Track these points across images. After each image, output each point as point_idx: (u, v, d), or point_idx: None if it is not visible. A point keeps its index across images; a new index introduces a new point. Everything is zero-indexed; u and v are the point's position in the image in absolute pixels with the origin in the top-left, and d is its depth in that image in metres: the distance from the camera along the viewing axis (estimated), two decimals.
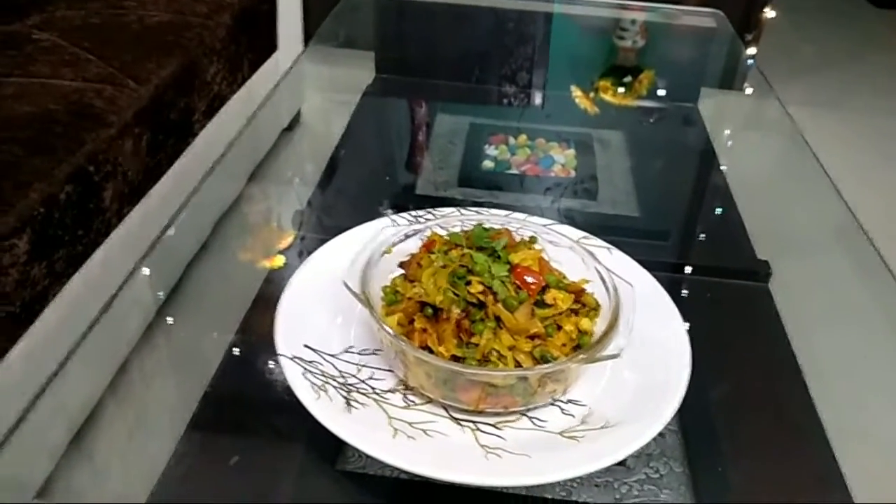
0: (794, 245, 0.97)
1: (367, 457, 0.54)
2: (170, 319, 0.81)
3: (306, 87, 1.61)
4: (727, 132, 1.22)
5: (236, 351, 0.69)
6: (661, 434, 0.60)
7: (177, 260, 1.06)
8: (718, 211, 0.99)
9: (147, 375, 0.76)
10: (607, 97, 1.28)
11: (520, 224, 0.63)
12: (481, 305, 0.53)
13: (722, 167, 1.06)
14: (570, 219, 0.71)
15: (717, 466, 0.60)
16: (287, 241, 0.87)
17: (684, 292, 0.78)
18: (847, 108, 2.13)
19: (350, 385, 0.55)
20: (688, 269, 0.85)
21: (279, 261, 0.83)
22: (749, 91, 1.36)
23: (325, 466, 0.57)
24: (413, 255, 0.59)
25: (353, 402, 0.53)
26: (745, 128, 1.32)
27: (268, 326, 0.60)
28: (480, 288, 0.53)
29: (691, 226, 0.99)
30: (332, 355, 0.57)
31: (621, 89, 1.30)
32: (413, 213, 0.69)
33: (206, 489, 0.56)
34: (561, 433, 0.52)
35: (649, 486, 0.56)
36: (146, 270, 0.79)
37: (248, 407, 0.64)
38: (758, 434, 0.64)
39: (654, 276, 0.65)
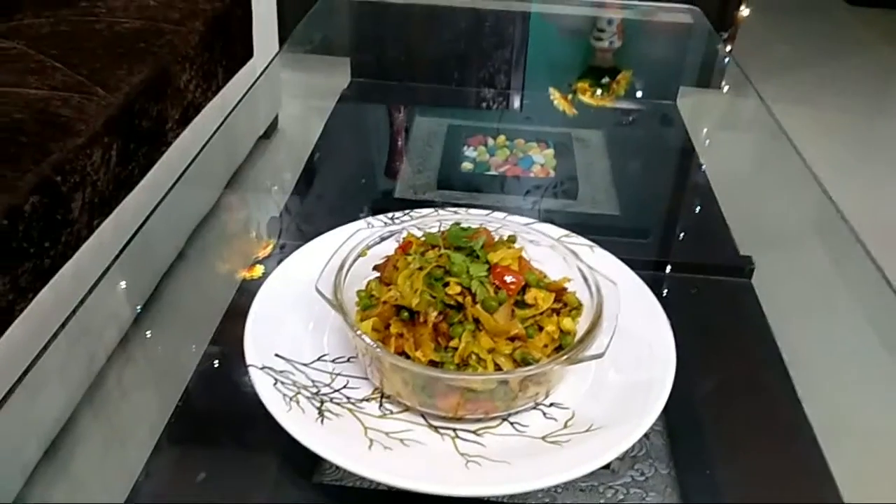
0: (777, 240, 0.96)
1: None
2: (145, 331, 0.78)
3: (283, 94, 1.59)
4: (706, 129, 1.21)
5: (209, 363, 0.67)
6: (646, 435, 0.58)
7: (152, 270, 1.04)
8: (699, 208, 0.98)
9: (122, 388, 0.74)
10: (585, 98, 1.27)
11: (500, 224, 0.61)
12: (459, 307, 0.51)
13: (702, 164, 1.05)
14: (550, 219, 0.69)
15: (703, 466, 0.59)
16: (265, 249, 0.85)
17: (667, 290, 0.77)
18: (821, 105, 2.14)
19: (323, 395, 0.53)
20: (670, 267, 0.84)
21: (258, 270, 0.81)
22: (726, 88, 1.36)
23: (301, 480, 0.55)
24: (388, 258, 0.57)
25: (326, 413, 0.51)
26: (724, 124, 1.32)
27: (241, 337, 0.58)
28: (458, 289, 0.51)
29: (672, 223, 0.98)
30: (304, 364, 0.55)
31: (599, 91, 1.29)
32: (389, 215, 0.67)
33: None
34: (543, 438, 0.51)
35: (635, 489, 0.55)
36: (122, 283, 0.77)
37: (221, 420, 0.62)
38: (744, 431, 0.63)
39: (637, 274, 0.64)
